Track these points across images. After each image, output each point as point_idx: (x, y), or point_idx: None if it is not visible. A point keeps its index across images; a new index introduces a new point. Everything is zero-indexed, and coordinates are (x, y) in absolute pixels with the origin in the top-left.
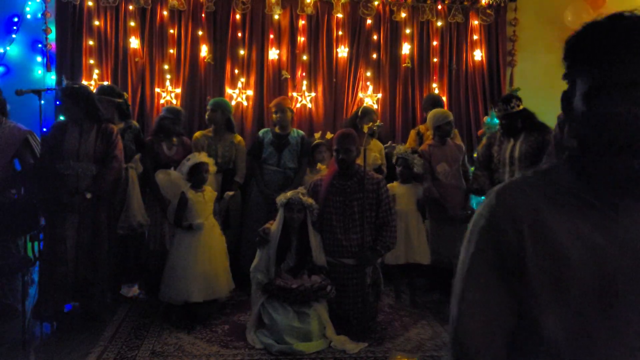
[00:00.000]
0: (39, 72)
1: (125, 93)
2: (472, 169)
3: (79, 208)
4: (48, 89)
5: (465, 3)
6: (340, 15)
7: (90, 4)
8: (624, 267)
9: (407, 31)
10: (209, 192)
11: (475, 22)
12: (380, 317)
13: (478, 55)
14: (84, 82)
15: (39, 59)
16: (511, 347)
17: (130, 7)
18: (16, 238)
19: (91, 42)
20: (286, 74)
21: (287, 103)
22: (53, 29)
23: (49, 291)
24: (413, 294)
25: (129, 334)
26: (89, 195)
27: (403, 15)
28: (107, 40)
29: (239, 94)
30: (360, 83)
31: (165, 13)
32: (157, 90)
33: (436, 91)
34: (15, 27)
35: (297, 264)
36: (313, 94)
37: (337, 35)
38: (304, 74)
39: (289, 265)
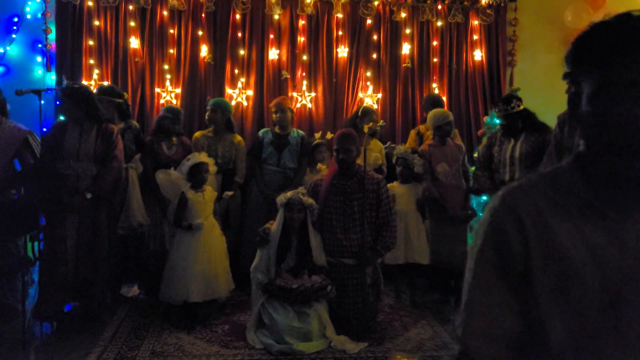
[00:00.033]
0: (39, 72)
1: (125, 93)
2: (472, 169)
3: (79, 208)
4: (48, 89)
5: (465, 3)
6: (340, 15)
7: (90, 4)
8: (627, 270)
9: (407, 31)
10: (209, 192)
11: (475, 22)
12: (380, 317)
13: (478, 55)
14: (84, 82)
15: (39, 59)
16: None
17: (130, 7)
18: (16, 238)
19: (91, 42)
20: (286, 74)
21: (287, 103)
22: (53, 29)
23: (49, 291)
24: (413, 294)
25: (129, 334)
26: (89, 195)
27: (403, 15)
28: (107, 40)
29: (239, 94)
30: (360, 83)
31: (165, 13)
32: (157, 90)
33: (436, 91)
34: (15, 27)
35: (298, 264)
36: (313, 94)
37: (337, 35)
38: (304, 74)
39: (289, 265)
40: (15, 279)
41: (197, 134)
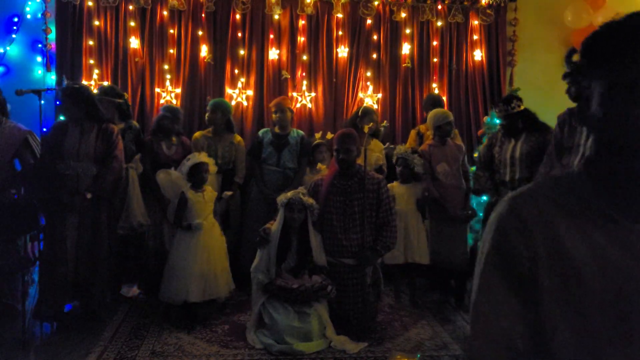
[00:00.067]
0: (39, 72)
1: (125, 93)
2: (473, 169)
3: (79, 208)
4: (48, 89)
5: (465, 3)
6: (340, 15)
7: (90, 4)
8: (635, 276)
9: (407, 31)
10: (209, 192)
11: (475, 22)
12: (380, 317)
13: (478, 55)
14: (84, 82)
15: (39, 59)
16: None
17: (130, 7)
18: (16, 238)
19: (91, 42)
20: (286, 74)
21: (287, 103)
22: (53, 29)
23: (49, 291)
24: (413, 294)
25: (129, 334)
26: (89, 196)
27: (403, 15)
28: (107, 40)
29: (239, 94)
30: (360, 83)
31: (165, 13)
32: (157, 90)
33: (436, 91)
34: (15, 27)
35: (298, 264)
36: (313, 94)
37: (337, 35)
38: (304, 74)
39: (290, 265)
40: (15, 279)
41: (197, 134)
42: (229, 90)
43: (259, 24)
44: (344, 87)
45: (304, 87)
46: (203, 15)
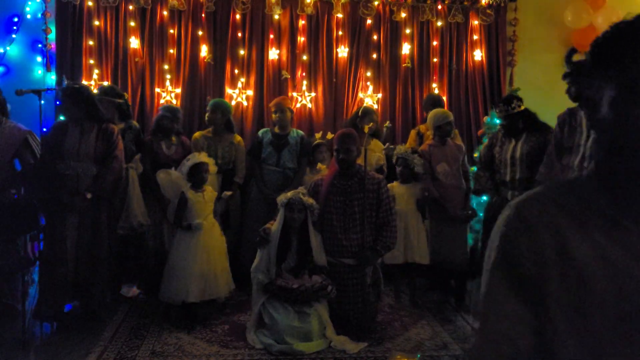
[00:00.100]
0: (39, 72)
1: (125, 93)
2: (473, 169)
3: (79, 208)
4: (48, 89)
5: (465, 3)
6: (340, 15)
7: (90, 4)
8: None
9: (407, 31)
10: (209, 192)
11: (475, 22)
12: (380, 317)
13: (478, 55)
14: (84, 82)
15: (39, 59)
16: None
17: (130, 7)
18: (16, 238)
19: (91, 42)
20: (286, 74)
21: (287, 103)
22: (53, 29)
23: (49, 291)
24: (413, 294)
25: (129, 334)
26: (89, 196)
27: (403, 15)
28: (107, 40)
29: (239, 94)
30: (360, 83)
31: (165, 13)
32: (157, 90)
33: (436, 91)
34: (15, 27)
35: (298, 263)
36: (313, 94)
37: (337, 35)
38: (304, 74)
39: (290, 265)
40: (15, 279)
41: (197, 134)
42: (229, 90)
43: (259, 24)
44: (344, 87)
45: (304, 87)
46: (203, 15)
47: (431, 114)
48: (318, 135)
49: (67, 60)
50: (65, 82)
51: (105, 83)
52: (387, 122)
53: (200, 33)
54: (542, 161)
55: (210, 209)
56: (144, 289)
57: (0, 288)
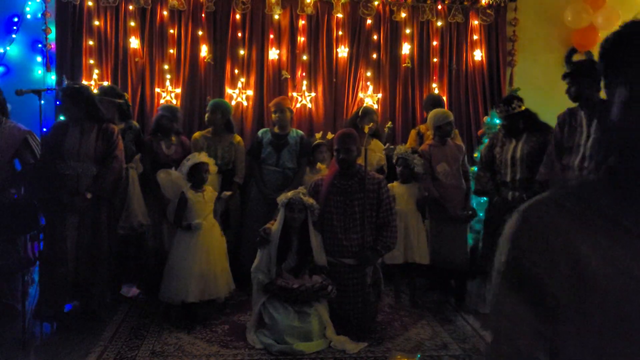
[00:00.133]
0: (39, 72)
1: (125, 93)
2: (473, 169)
3: (79, 208)
4: (48, 89)
5: (465, 3)
6: (340, 15)
7: (90, 4)
8: None
9: (407, 31)
10: (210, 192)
11: (475, 22)
12: (380, 317)
13: (478, 55)
14: (84, 82)
15: (39, 59)
16: None
17: (130, 7)
18: (16, 238)
19: (91, 42)
20: (286, 74)
21: (287, 103)
22: (53, 29)
23: (49, 291)
24: (413, 294)
25: (129, 334)
26: (89, 196)
27: (403, 15)
28: (107, 40)
29: (239, 94)
30: (360, 83)
31: (165, 13)
32: (157, 90)
33: (436, 91)
34: (15, 27)
35: (298, 263)
36: (313, 94)
37: (337, 35)
38: (304, 74)
39: (290, 265)
40: (15, 279)
41: (197, 134)
42: (229, 90)
43: (259, 24)
44: (344, 87)
45: (304, 87)
46: (203, 15)
47: (431, 114)
48: (318, 135)
49: (67, 60)
50: (65, 82)
51: (105, 83)
52: (389, 123)
53: (200, 33)
54: (542, 161)
55: (210, 209)
56: (144, 289)
57: (0, 288)
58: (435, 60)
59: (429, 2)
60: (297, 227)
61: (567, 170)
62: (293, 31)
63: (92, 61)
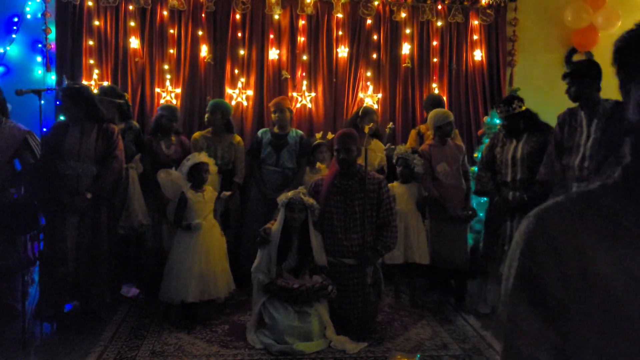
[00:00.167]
0: (39, 72)
1: (125, 93)
2: (473, 169)
3: (79, 208)
4: (48, 89)
5: (465, 3)
6: (340, 15)
7: (90, 4)
8: None
9: (407, 31)
10: (210, 192)
11: (475, 22)
12: (380, 317)
13: (478, 55)
14: (84, 82)
15: (39, 59)
16: None
17: (130, 7)
18: (16, 238)
19: (91, 42)
20: (286, 74)
21: (286, 103)
22: (53, 29)
23: (49, 291)
24: (413, 294)
25: (129, 334)
26: (89, 196)
27: (403, 15)
28: (107, 40)
29: (239, 94)
30: (360, 83)
31: (165, 13)
32: (157, 90)
33: (436, 91)
34: (15, 27)
35: (298, 263)
36: (313, 94)
37: (337, 35)
38: (304, 74)
39: (290, 265)
40: (15, 279)
41: (196, 134)
42: (229, 90)
43: (259, 24)
44: (344, 87)
45: (304, 87)
46: (203, 15)
47: (431, 114)
48: (318, 135)
49: (67, 60)
50: (66, 82)
51: (105, 83)
52: (390, 123)
53: (200, 33)
54: (542, 161)
55: (210, 209)
56: (143, 289)
57: (0, 288)
58: (435, 60)
59: (429, 2)
60: (298, 227)
61: (567, 170)
62: (293, 31)
63: (92, 61)
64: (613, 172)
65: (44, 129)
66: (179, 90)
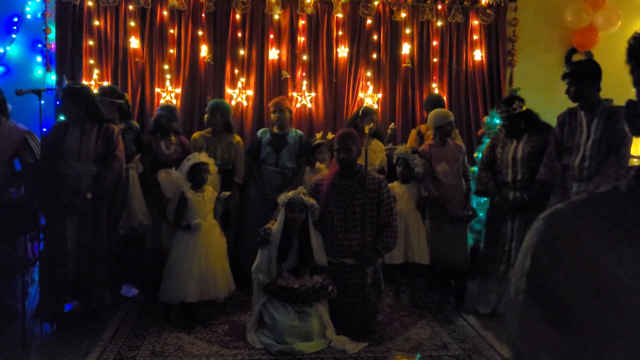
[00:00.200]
0: (39, 72)
1: (125, 93)
2: (473, 169)
3: (79, 208)
4: (48, 89)
5: (465, 3)
6: (340, 15)
7: (90, 4)
8: None
9: (407, 31)
10: (210, 192)
11: (475, 22)
12: (380, 317)
13: (478, 55)
14: (84, 82)
15: (39, 59)
16: None
17: (130, 7)
18: (16, 238)
19: (91, 42)
20: (286, 74)
21: (286, 103)
22: (53, 29)
23: (49, 291)
24: (413, 294)
25: (129, 334)
26: (89, 196)
27: (403, 15)
28: (107, 40)
29: (239, 94)
30: (360, 83)
31: (165, 13)
32: (157, 90)
33: (436, 91)
34: (15, 27)
35: (299, 263)
36: (313, 94)
37: (337, 35)
38: (304, 74)
39: (291, 265)
40: (15, 279)
41: (196, 134)
42: (229, 90)
43: (259, 24)
44: (344, 87)
45: (304, 87)
46: (203, 15)
47: (432, 114)
48: (318, 135)
49: (67, 60)
50: (66, 82)
51: (105, 83)
52: (392, 124)
53: (200, 33)
54: (542, 161)
55: (210, 209)
56: (143, 289)
57: (0, 288)
58: (435, 60)
59: (429, 2)
60: (298, 227)
61: (567, 170)
62: (293, 31)
63: (92, 61)
64: (623, 175)
65: (44, 129)
66: (179, 90)
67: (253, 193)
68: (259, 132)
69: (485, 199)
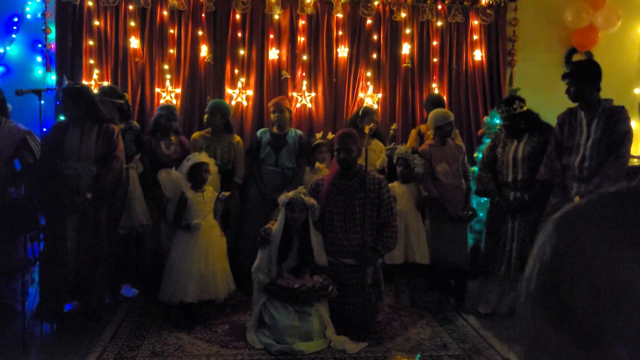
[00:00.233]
0: (39, 72)
1: (125, 93)
2: (473, 169)
3: (79, 208)
4: (48, 89)
5: (465, 3)
6: (340, 15)
7: (90, 4)
8: None
9: (407, 31)
10: (210, 192)
11: (475, 22)
12: (380, 317)
13: (478, 55)
14: (84, 82)
15: (39, 59)
16: None
17: (130, 7)
18: (16, 238)
19: (91, 42)
20: (286, 74)
21: (285, 103)
22: (53, 29)
23: (49, 291)
24: (413, 294)
25: (129, 334)
26: (89, 196)
27: (403, 15)
28: (107, 40)
29: (239, 94)
30: (361, 83)
31: (165, 13)
32: (157, 90)
33: (436, 91)
34: (15, 27)
35: (299, 263)
36: (313, 94)
37: (337, 35)
38: (304, 74)
39: (291, 265)
40: (15, 279)
41: (196, 134)
42: (229, 90)
43: (259, 24)
44: (344, 87)
45: (304, 87)
46: (203, 15)
47: (432, 114)
48: (319, 135)
49: (67, 60)
50: (66, 82)
51: (106, 83)
52: (394, 125)
53: (200, 33)
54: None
55: (209, 209)
56: (142, 289)
57: (0, 288)
58: (435, 60)
59: (429, 2)
60: (298, 227)
61: (567, 170)
62: (293, 31)
63: (92, 61)
64: (623, 175)
65: (44, 129)
66: (179, 90)
67: (253, 193)
68: (259, 132)
69: (485, 199)
